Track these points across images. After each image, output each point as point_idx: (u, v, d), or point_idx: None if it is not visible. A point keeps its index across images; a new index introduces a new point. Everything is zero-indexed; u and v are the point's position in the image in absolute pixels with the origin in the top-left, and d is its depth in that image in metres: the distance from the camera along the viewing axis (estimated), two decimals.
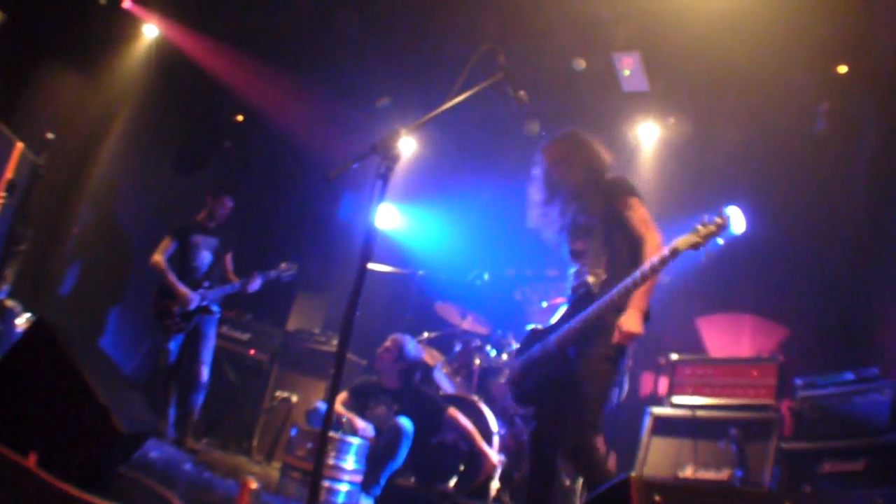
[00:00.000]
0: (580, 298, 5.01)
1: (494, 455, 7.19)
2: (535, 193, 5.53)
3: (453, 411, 7.28)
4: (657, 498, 2.82)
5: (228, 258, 8.51)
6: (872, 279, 8.21)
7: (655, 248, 4.79)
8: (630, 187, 5.16)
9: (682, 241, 4.41)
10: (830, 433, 6.46)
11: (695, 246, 4.36)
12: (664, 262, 4.50)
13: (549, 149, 5.49)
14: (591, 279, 4.97)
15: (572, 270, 5.28)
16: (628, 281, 4.62)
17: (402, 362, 7.40)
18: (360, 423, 6.97)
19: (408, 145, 10.72)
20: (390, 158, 3.83)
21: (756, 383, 7.38)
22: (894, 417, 6.04)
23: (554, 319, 5.28)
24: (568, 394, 4.94)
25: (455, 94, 4.21)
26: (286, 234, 11.29)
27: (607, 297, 4.72)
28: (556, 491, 5.47)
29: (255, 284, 8.25)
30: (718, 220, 4.31)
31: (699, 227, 4.36)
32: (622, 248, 5.02)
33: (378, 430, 7.01)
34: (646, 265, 4.61)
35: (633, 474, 2.89)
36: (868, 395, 6.36)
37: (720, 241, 4.36)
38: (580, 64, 8.89)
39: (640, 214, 5.01)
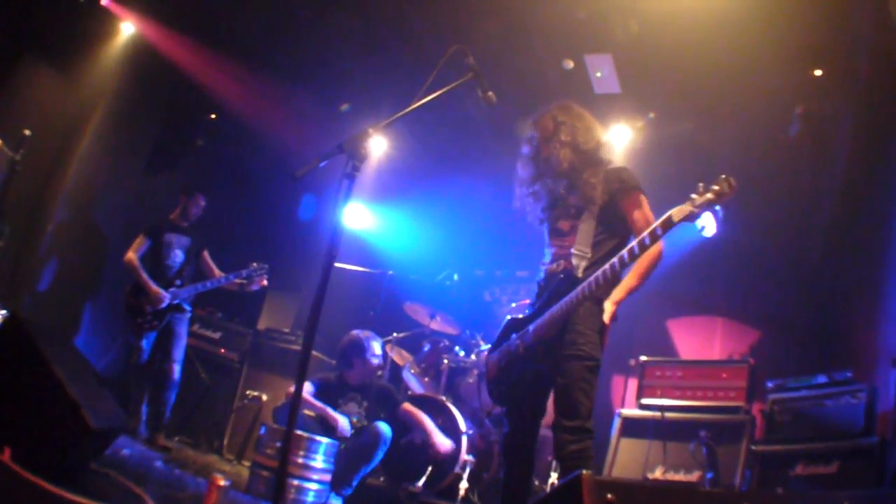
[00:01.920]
0: (561, 282, 4.73)
1: (446, 442, 7.27)
2: (523, 170, 5.22)
3: (408, 405, 7.42)
4: (609, 496, 2.80)
5: (207, 255, 8.54)
6: (845, 282, 8.25)
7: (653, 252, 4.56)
8: (638, 183, 4.88)
9: (676, 210, 4.01)
10: (802, 436, 6.41)
11: (690, 216, 3.95)
12: (654, 237, 4.16)
13: (539, 122, 5.16)
14: (575, 260, 4.72)
15: (549, 250, 5.03)
16: (614, 260, 4.36)
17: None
18: (340, 419, 6.98)
19: (378, 145, 10.73)
20: (357, 157, 3.81)
21: (727, 385, 7.35)
22: (868, 421, 6.03)
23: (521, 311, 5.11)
24: (546, 393, 4.81)
25: (424, 93, 4.21)
26: (256, 232, 11.29)
27: (589, 280, 4.45)
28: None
29: (257, 285, 8.36)
30: (716, 187, 3.86)
31: (694, 195, 3.92)
32: (618, 241, 4.80)
33: (354, 429, 7.04)
34: (633, 243, 4.31)
35: (584, 471, 2.87)
36: (841, 398, 6.32)
37: (719, 209, 3.88)
38: (568, 64, 8.89)
39: (646, 215, 4.74)
